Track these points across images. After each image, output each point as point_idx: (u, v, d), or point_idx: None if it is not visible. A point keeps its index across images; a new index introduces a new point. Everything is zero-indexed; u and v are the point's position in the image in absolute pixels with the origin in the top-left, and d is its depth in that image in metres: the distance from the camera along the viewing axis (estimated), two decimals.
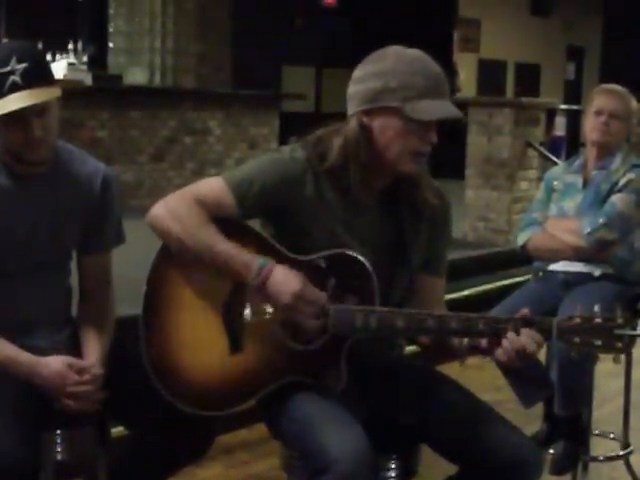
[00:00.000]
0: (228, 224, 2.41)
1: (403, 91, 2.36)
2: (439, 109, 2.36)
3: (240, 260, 2.35)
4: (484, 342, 2.36)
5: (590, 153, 3.91)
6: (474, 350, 2.41)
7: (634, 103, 3.89)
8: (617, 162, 3.84)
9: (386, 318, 2.34)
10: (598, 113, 3.83)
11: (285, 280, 2.32)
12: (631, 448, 3.87)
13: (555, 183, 3.95)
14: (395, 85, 2.36)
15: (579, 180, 3.89)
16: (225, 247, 2.36)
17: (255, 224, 2.49)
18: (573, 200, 3.86)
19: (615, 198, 3.75)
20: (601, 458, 3.90)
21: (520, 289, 3.97)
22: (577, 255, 3.75)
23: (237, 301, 2.40)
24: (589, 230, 3.70)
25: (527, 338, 2.29)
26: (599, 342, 2.30)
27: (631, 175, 3.78)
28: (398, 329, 2.36)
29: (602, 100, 3.84)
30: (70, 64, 9.39)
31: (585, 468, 3.72)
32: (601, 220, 3.70)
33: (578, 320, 2.31)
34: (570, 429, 3.70)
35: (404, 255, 2.49)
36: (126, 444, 2.71)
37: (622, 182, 3.77)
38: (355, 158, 2.42)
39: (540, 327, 2.31)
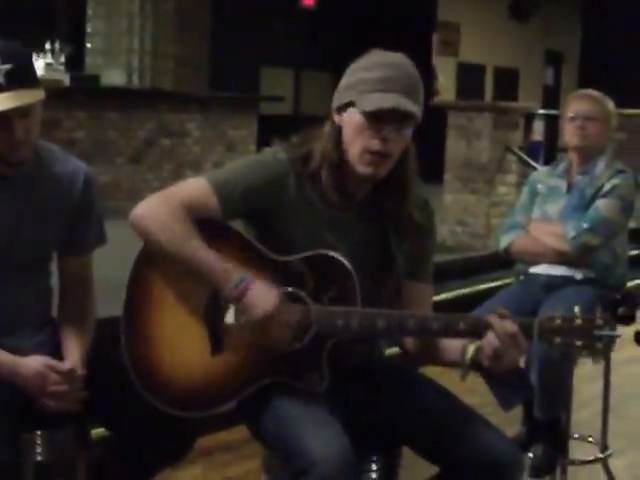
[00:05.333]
0: (211, 225, 2.40)
1: (360, 85, 2.37)
2: (384, 101, 2.33)
3: (219, 270, 2.33)
4: (486, 359, 2.34)
5: (573, 159, 3.94)
6: (475, 367, 2.39)
7: (610, 105, 3.91)
8: (601, 167, 3.86)
9: (367, 318, 2.34)
10: (572, 118, 3.87)
11: (262, 296, 2.30)
12: (609, 451, 3.89)
13: (539, 186, 3.97)
14: (354, 80, 2.38)
15: (563, 184, 3.91)
16: (205, 255, 2.34)
17: (238, 225, 2.48)
18: (557, 204, 3.88)
19: (600, 203, 3.77)
20: (579, 461, 3.91)
21: (501, 291, 3.98)
22: (560, 259, 3.77)
23: (219, 302, 2.39)
24: (573, 235, 3.71)
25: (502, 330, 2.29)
26: (579, 343, 2.32)
27: (616, 181, 3.80)
28: (379, 329, 2.36)
29: (575, 105, 3.88)
30: (47, 64, 9.35)
31: (564, 471, 3.73)
32: (585, 225, 3.71)
33: (559, 321, 2.32)
34: (549, 432, 3.71)
35: (389, 259, 2.49)
36: (106, 445, 2.69)
37: (607, 187, 3.79)
38: (327, 158, 2.41)
39: (521, 327, 2.31)
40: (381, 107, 2.33)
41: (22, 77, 2.46)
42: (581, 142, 3.85)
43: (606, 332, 2.31)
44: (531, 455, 3.74)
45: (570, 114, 3.88)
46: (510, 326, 2.29)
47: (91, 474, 2.63)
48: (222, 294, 2.34)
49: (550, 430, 3.71)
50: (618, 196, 3.78)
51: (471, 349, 2.37)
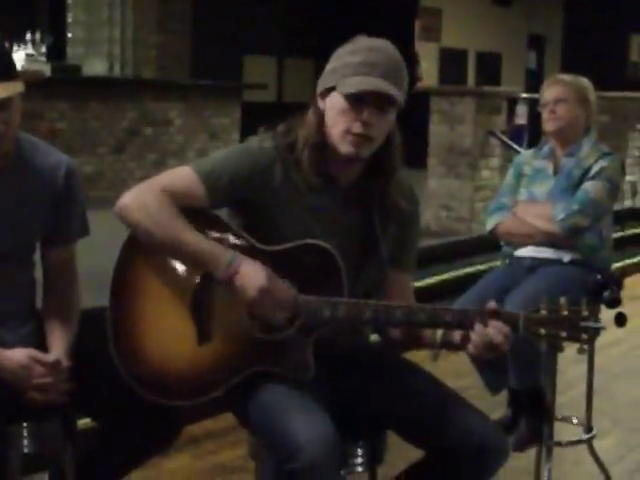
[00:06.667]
0: (197, 215, 2.40)
1: (341, 70, 2.38)
2: (363, 83, 2.35)
3: (209, 252, 2.33)
4: (457, 337, 2.38)
5: (555, 142, 3.96)
6: (447, 345, 2.43)
7: (584, 86, 3.92)
8: (585, 149, 3.87)
9: (354, 309, 2.35)
10: (544, 105, 3.90)
11: (253, 274, 2.30)
12: (594, 433, 3.91)
13: (524, 168, 3.98)
14: (337, 65, 2.40)
15: (549, 166, 3.92)
16: (194, 239, 2.34)
17: (223, 213, 2.48)
18: (543, 185, 3.89)
19: (588, 185, 3.79)
20: (564, 442, 3.93)
21: (487, 275, 3.99)
22: (548, 240, 3.78)
23: (205, 291, 2.39)
24: (563, 216, 3.73)
25: (494, 330, 2.31)
26: (564, 333, 2.32)
27: (603, 163, 3.82)
28: (366, 320, 2.37)
29: (545, 92, 3.93)
30: (28, 55, 9.29)
31: (549, 453, 3.75)
32: (575, 207, 3.73)
33: (545, 313, 2.33)
34: (530, 404, 3.71)
35: (373, 246, 2.50)
36: (93, 436, 2.69)
37: (594, 170, 3.81)
38: (309, 141, 2.42)
39: (507, 320, 2.33)
40: (360, 89, 2.34)
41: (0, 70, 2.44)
42: (555, 126, 3.87)
43: (591, 324, 2.32)
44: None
45: (542, 102, 3.92)
46: (493, 332, 2.30)
47: (77, 465, 2.63)
48: (214, 276, 2.34)
49: (531, 401, 3.72)
50: (605, 178, 3.80)
51: (440, 330, 2.41)
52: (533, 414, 3.73)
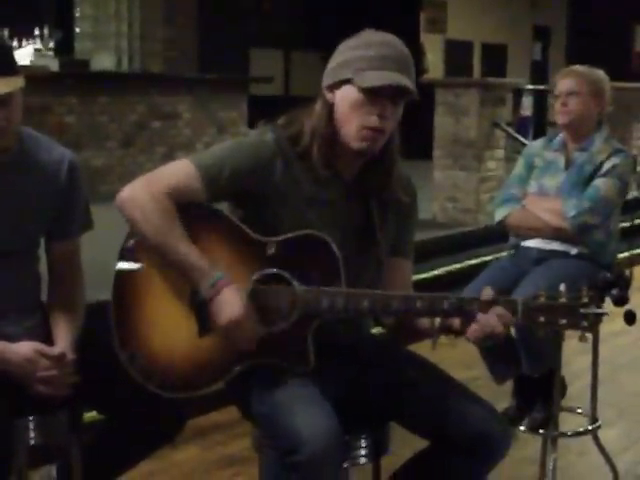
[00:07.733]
0: (197, 207, 2.41)
1: (356, 63, 2.38)
2: (384, 77, 2.35)
3: (196, 268, 2.34)
4: (456, 322, 2.38)
5: (566, 135, 3.93)
6: (446, 330, 2.43)
7: (598, 77, 3.87)
8: (597, 144, 3.85)
9: (352, 299, 2.36)
10: (557, 97, 3.88)
11: (230, 303, 2.32)
12: (599, 423, 3.91)
13: (536, 160, 3.95)
14: (350, 57, 2.40)
15: (561, 159, 3.89)
16: (184, 250, 2.34)
17: (224, 206, 2.50)
18: (554, 178, 3.87)
19: (599, 182, 3.76)
20: (569, 433, 3.94)
21: (493, 264, 3.99)
22: (557, 235, 3.78)
23: None
24: (574, 214, 3.71)
25: (494, 317, 2.32)
26: (564, 321, 2.32)
27: (616, 160, 3.79)
28: (364, 310, 2.38)
29: (559, 83, 3.89)
30: (36, 50, 9.33)
31: (554, 443, 3.76)
32: (586, 205, 3.70)
33: (543, 299, 2.32)
34: (548, 385, 3.71)
35: (372, 238, 2.51)
36: (99, 428, 2.71)
37: (607, 166, 3.78)
38: (318, 134, 2.42)
39: (505, 307, 2.33)
40: (382, 83, 2.35)
41: (0, 65, 2.44)
42: (566, 119, 3.84)
43: (592, 310, 2.32)
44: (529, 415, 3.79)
45: (555, 93, 3.89)
46: (494, 321, 2.31)
47: (84, 458, 2.65)
48: (199, 292, 2.36)
49: (549, 383, 3.71)
50: (617, 176, 3.77)
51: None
52: (547, 395, 3.72)
